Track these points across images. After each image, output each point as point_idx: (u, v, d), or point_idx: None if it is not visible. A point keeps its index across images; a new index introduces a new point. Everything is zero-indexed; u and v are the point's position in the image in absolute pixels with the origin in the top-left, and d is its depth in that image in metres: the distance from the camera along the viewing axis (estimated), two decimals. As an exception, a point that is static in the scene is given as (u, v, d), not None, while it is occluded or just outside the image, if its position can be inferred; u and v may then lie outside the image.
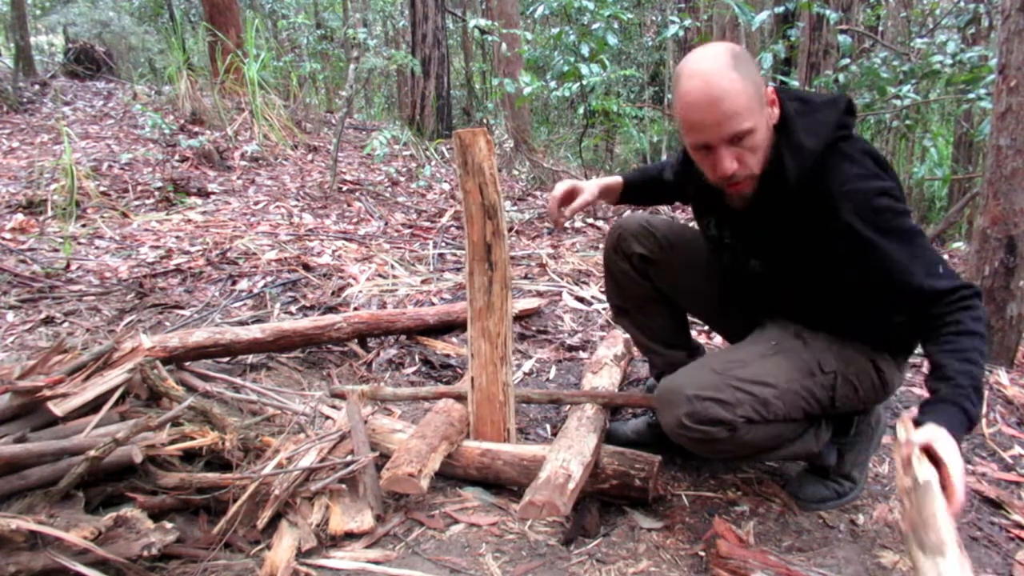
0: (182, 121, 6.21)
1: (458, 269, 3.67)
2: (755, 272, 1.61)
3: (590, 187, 1.79)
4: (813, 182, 1.39)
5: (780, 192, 1.42)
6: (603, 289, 3.39)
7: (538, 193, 6.05)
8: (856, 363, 1.54)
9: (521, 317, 2.96)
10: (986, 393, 2.19)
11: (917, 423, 1.25)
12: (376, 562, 1.46)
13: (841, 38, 4.88)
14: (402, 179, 5.87)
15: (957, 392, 1.25)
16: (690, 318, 1.97)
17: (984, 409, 2.11)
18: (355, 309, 2.94)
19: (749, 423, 1.45)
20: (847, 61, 4.84)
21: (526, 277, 3.54)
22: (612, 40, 4.90)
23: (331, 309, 2.93)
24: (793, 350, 1.51)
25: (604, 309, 3.13)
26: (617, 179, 1.89)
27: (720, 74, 1.32)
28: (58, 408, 1.58)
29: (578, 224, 4.75)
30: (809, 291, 1.54)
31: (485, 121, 8.00)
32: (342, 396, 2.13)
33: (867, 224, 1.35)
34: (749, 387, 1.44)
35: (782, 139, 1.40)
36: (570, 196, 1.78)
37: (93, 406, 1.65)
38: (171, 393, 1.78)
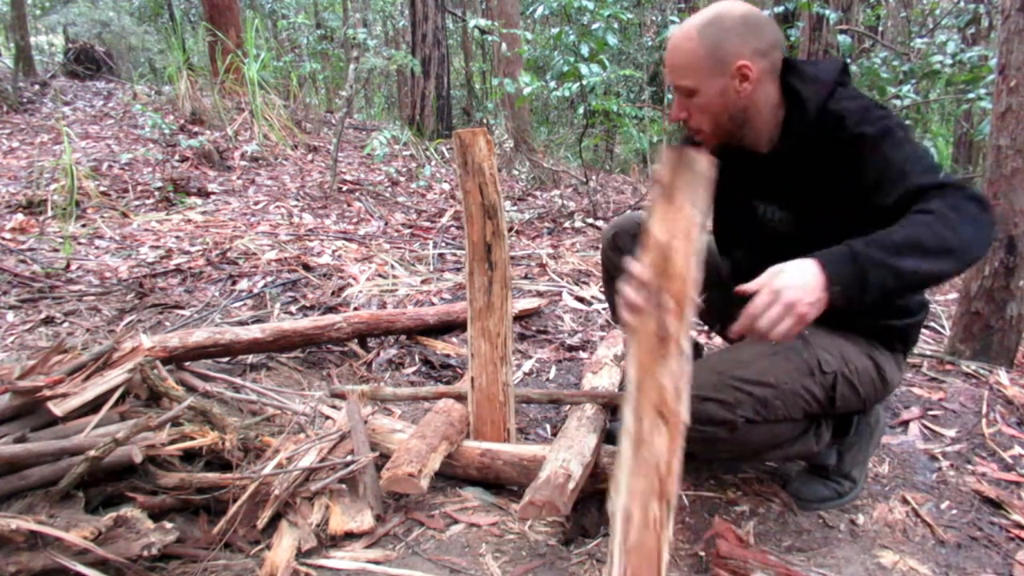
0: (182, 121, 6.21)
1: (458, 269, 3.67)
2: (782, 231, 1.58)
3: None
4: (828, 125, 1.42)
5: (800, 140, 1.46)
6: (603, 289, 3.40)
7: (538, 193, 6.06)
8: (856, 361, 1.54)
9: (521, 317, 2.96)
10: (985, 393, 2.19)
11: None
12: (376, 562, 1.46)
13: (841, 38, 4.88)
14: (402, 179, 5.87)
15: (858, 241, 1.21)
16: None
17: (984, 409, 2.12)
18: (355, 309, 2.94)
19: (749, 423, 1.45)
20: (847, 61, 4.84)
21: (526, 277, 3.54)
22: (612, 40, 4.90)
23: (331, 309, 2.93)
24: (793, 350, 1.51)
25: (604, 309, 3.13)
26: None
27: (684, 30, 1.42)
28: (58, 408, 1.58)
29: (578, 224, 4.76)
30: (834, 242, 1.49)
31: (485, 121, 8.00)
32: (342, 396, 2.13)
33: (876, 131, 1.36)
34: (749, 387, 1.44)
35: (788, 97, 1.46)
36: None
37: (93, 406, 1.65)
38: (171, 393, 1.78)
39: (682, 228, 1.09)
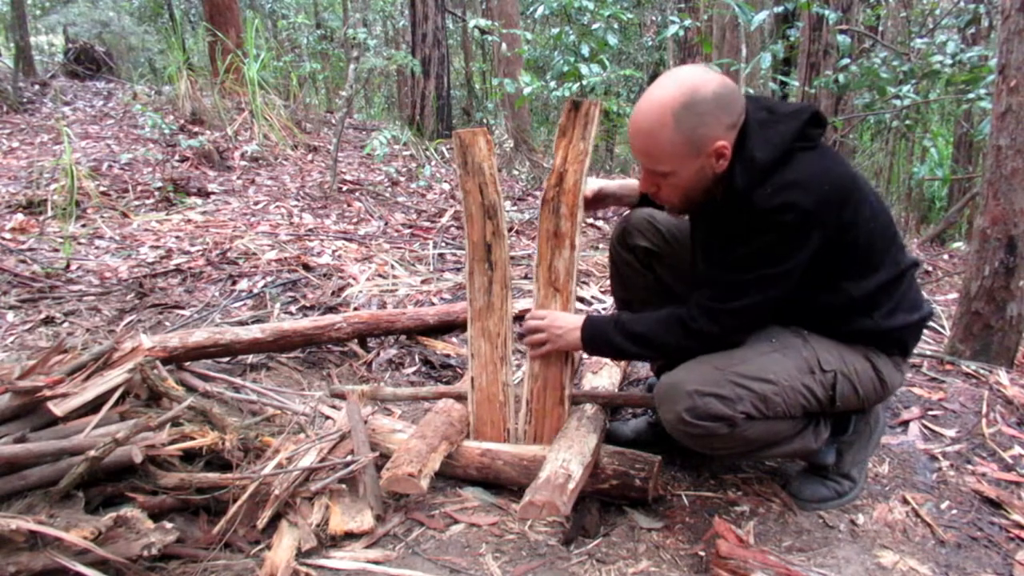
0: (182, 121, 6.21)
1: (458, 269, 3.67)
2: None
3: (612, 185, 1.85)
4: (755, 192, 1.39)
5: (731, 201, 1.44)
6: (603, 289, 3.40)
7: (538, 193, 6.05)
8: (855, 362, 1.54)
9: (521, 317, 2.95)
10: (985, 393, 2.19)
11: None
12: (376, 562, 1.46)
13: (841, 38, 4.88)
14: (402, 179, 5.87)
15: (621, 317, 1.64)
16: None
17: (984, 409, 2.12)
18: (355, 309, 2.94)
19: (749, 419, 1.45)
20: (847, 61, 4.84)
21: (526, 277, 3.54)
22: (612, 40, 4.90)
23: (331, 309, 2.93)
24: (793, 347, 1.52)
25: (604, 309, 3.13)
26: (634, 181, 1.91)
27: (655, 114, 1.36)
28: (58, 408, 1.58)
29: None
30: None
31: (485, 121, 8.01)
32: (342, 396, 2.13)
33: (756, 219, 1.37)
34: (749, 383, 1.45)
35: (738, 151, 1.41)
36: (598, 196, 1.82)
37: (93, 406, 1.65)
38: (171, 393, 1.78)
39: (574, 156, 1.66)
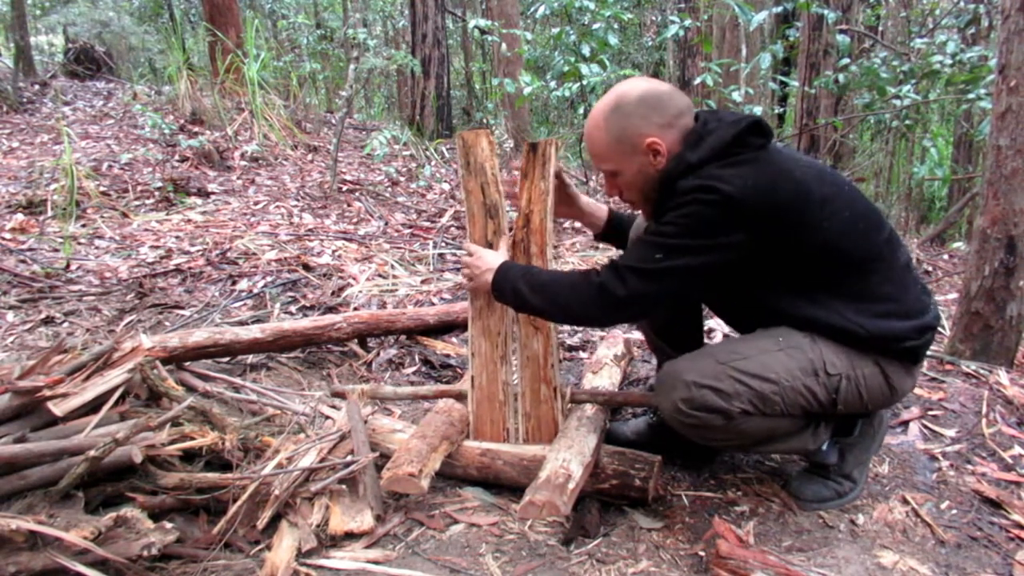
0: (182, 121, 6.21)
1: (458, 269, 3.67)
2: None
3: (584, 199, 1.93)
4: (681, 180, 1.47)
5: (664, 193, 1.52)
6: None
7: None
8: (864, 367, 1.52)
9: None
10: (985, 393, 2.19)
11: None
12: (376, 562, 1.46)
13: (840, 38, 4.88)
14: (402, 179, 5.87)
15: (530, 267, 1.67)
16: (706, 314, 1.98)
17: (984, 409, 2.12)
18: (355, 309, 2.94)
19: (745, 415, 1.46)
20: (847, 61, 4.84)
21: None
22: (613, 40, 4.90)
23: (331, 309, 2.93)
24: (799, 348, 1.51)
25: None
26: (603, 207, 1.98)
27: (593, 119, 1.56)
28: (58, 408, 1.58)
29: (578, 224, 4.75)
30: None
31: (485, 121, 8.00)
32: (342, 395, 2.13)
33: (677, 197, 1.44)
34: (749, 380, 1.45)
35: (673, 153, 1.51)
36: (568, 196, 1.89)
37: (93, 406, 1.65)
38: (171, 393, 1.78)
39: (537, 196, 1.73)
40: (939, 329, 2.97)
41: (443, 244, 4.16)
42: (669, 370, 1.52)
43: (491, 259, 1.69)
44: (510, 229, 1.78)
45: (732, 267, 1.45)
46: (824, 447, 1.69)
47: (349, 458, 1.66)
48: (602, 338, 2.72)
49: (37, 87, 7.96)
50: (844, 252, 1.47)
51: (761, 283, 1.53)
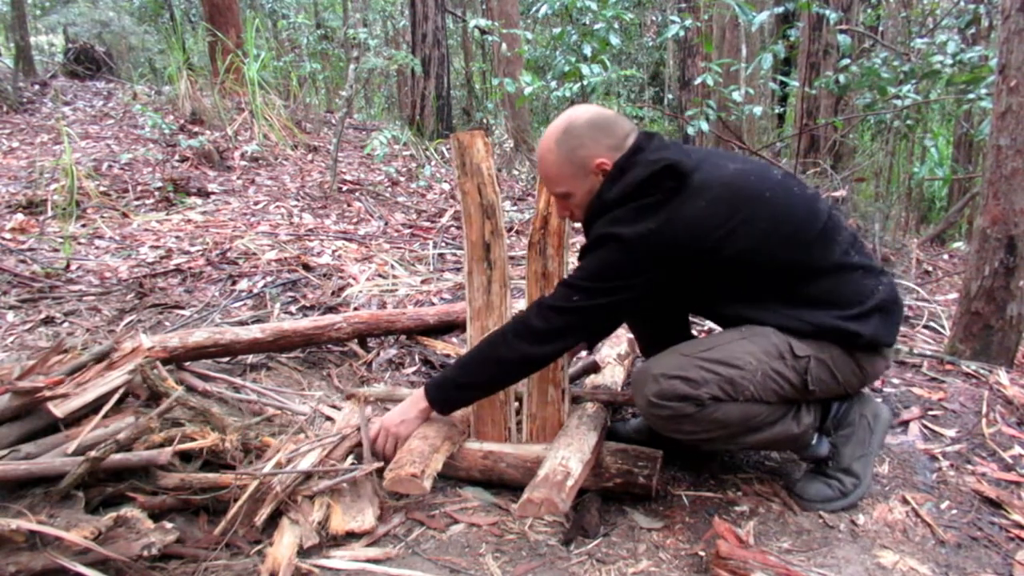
0: (182, 121, 6.21)
1: (458, 269, 3.67)
2: None
3: None
4: (596, 220, 1.56)
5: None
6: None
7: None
8: (832, 350, 1.56)
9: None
10: (985, 393, 2.19)
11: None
12: (376, 561, 1.46)
13: (841, 38, 4.87)
14: (402, 179, 5.87)
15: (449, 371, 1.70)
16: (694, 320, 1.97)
17: (984, 409, 2.12)
18: (355, 309, 2.94)
19: (716, 401, 1.49)
20: (847, 61, 4.84)
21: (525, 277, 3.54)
22: (615, 40, 4.90)
23: (331, 309, 2.93)
24: (763, 335, 1.55)
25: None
26: None
27: (544, 144, 1.60)
28: (58, 409, 1.58)
29: (576, 225, 4.75)
30: None
31: (485, 121, 8.00)
32: (352, 398, 2.13)
33: (592, 240, 1.54)
34: (715, 367, 1.49)
35: (598, 187, 1.57)
36: None
37: (93, 407, 1.65)
38: (171, 393, 1.78)
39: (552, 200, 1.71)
40: (938, 328, 2.97)
41: (443, 244, 4.16)
42: (640, 368, 1.59)
43: (404, 406, 1.74)
44: (510, 229, 1.78)
45: (651, 296, 1.53)
46: (814, 441, 1.70)
47: (350, 463, 1.66)
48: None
49: (37, 87, 7.95)
50: (766, 261, 1.50)
51: (701, 297, 1.63)
